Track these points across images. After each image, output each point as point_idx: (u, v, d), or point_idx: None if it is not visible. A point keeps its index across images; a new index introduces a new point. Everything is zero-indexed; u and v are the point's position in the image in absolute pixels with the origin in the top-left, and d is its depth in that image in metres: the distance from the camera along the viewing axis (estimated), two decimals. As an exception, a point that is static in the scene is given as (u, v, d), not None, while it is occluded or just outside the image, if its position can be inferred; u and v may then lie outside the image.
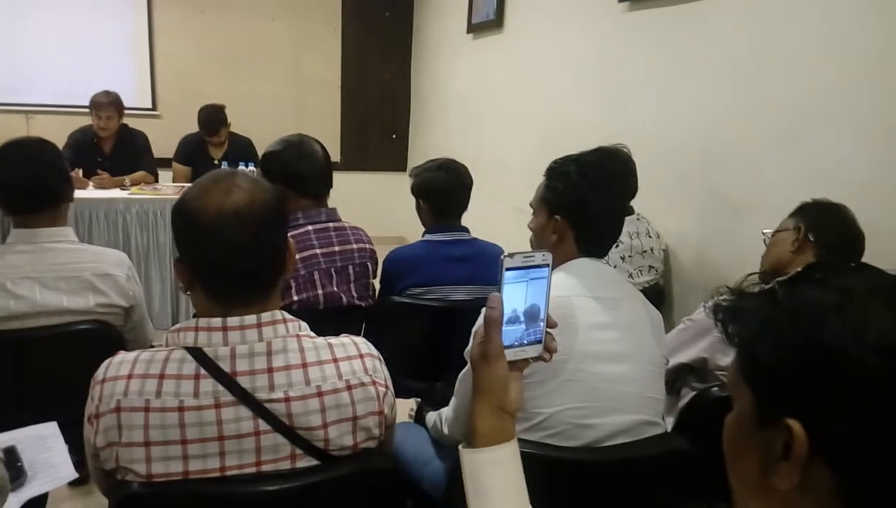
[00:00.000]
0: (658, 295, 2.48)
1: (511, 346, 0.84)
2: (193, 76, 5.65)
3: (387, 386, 1.19)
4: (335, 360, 1.13)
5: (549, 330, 0.88)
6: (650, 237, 2.48)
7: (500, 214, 3.86)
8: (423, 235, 2.31)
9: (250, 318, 1.06)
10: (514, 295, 0.83)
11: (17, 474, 1.32)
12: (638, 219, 2.48)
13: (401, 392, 2.29)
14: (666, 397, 1.83)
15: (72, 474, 1.38)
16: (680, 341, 1.80)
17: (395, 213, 5.37)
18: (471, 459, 0.83)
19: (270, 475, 1.08)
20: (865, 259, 1.67)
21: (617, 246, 2.38)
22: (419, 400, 2.18)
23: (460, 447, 0.85)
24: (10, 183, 1.71)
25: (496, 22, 4.26)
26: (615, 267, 2.37)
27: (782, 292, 0.58)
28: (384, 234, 5.23)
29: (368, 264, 2.10)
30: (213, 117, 4.36)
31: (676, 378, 1.80)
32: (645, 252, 2.45)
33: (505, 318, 0.83)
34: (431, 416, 1.79)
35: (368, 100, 6.24)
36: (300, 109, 6.03)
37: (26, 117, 5.34)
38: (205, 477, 1.04)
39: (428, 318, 2.16)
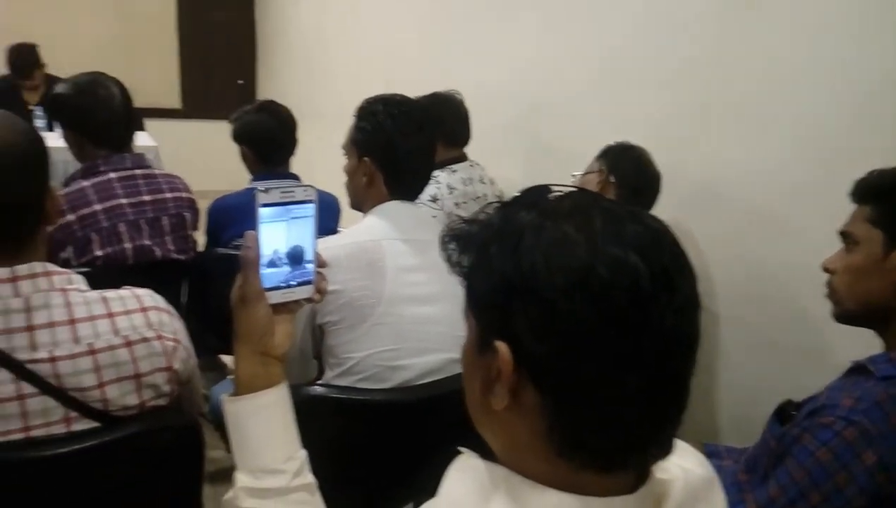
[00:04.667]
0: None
1: (277, 289, 0.81)
2: (5, 13, 4.98)
3: (177, 341, 1.12)
4: (110, 315, 1.05)
5: (319, 270, 0.85)
6: (483, 183, 2.53)
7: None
8: (249, 182, 2.21)
9: (2, 272, 0.96)
10: (275, 235, 0.80)
11: None
12: (472, 165, 2.52)
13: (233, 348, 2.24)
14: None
15: None
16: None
17: (240, 164, 5.09)
18: (233, 409, 0.80)
19: (42, 440, 1.00)
20: (662, 198, 1.81)
21: (451, 192, 2.40)
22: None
23: (222, 396, 0.82)
24: None
25: (338, -39, 4.10)
26: (449, 213, 2.39)
27: (496, 217, 0.59)
28: (229, 187, 4.98)
29: (185, 215, 1.96)
30: (24, 58, 3.96)
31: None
32: (478, 198, 2.49)
33: (266, 260, 0.79)
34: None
35: (210, 41, 5.82)
36: (132, 50, 5.52)
37: None
38: (-39, 448, 0.95)
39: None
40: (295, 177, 2.22)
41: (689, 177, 1.88)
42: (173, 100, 5.72)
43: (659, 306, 0.51)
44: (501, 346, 0.54)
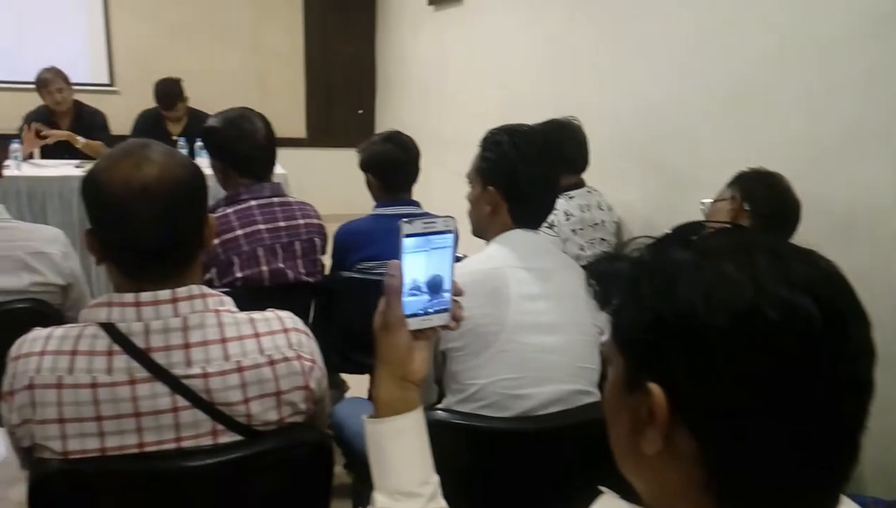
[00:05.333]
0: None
1: (415, 315, 0.84)
2: (151, 50, 5.50)
3: (313, 361, 1.18)
4: (257, 335, 1.12)
5: (456, 298, 0.87)
6: (602, 210, 2.49)
7: (463, 189, 3.84)
8: (373, 209, 2.30)
9: (164, 293, 1.05)
10: (417, 264, 0.82)
11: (-57, 455, 1.29)
12: (589, 191, 2.49)
13: (356, 368, 2.32)
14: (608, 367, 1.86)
15: (1, 454, 1.35)
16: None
17: (363, 190, 5.31)
18: (373, 430, 0.83)
19: (192, 451, 1.07)
20: (802, 228, 1.70)
21: (568, 218, 2.39)
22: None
23: (363, 417, 0.85)
24: None
25: (456, -7, 4.21)
26: (566, 240, 2.37)
27: (648, 254, 0.58)
28: (352, 212, 5.19)
29: (316, 240, 2.07)
30: (169, 91, 4.27)
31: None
32: (596, 225, 2.45)
33: (407, 288, 0.82)
34: (376, 391, 1.79)
35: (333, 73, 6.14)
36: (263, 83, 5.93)
37: (-25, 94, 5.19)
38: (123, 454, 1.04)
39: (379, 293, 2.15)
40: (416, 204, 2.29)
41: (830, 204, 1.76)
42: (299, 130, 6.07)
43: (831, 352, 0.48)
44: (655, 389, 0.52)
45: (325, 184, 5.10)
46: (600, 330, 1.50)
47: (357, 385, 2.51)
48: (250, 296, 1.60)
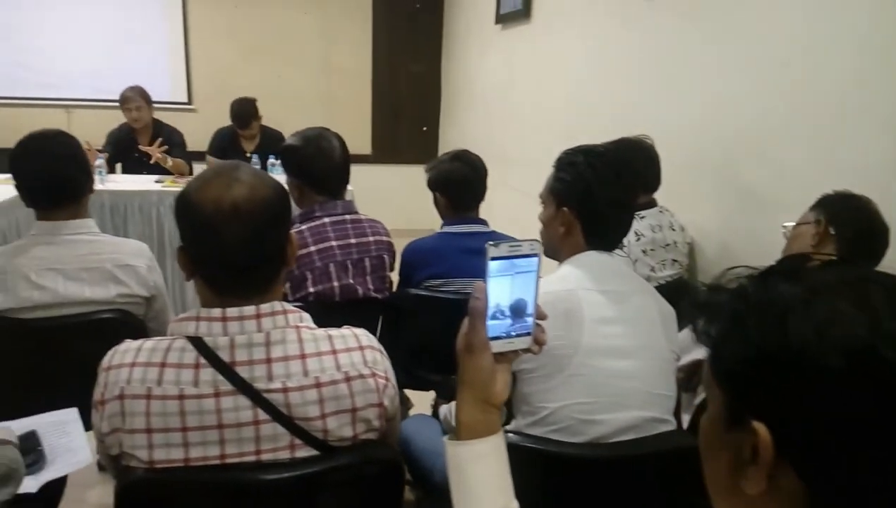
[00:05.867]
0: (682, 290, 2.43)
1: (498, 338, 0.84)
2: (227, 70, 5.74)
3: (387, 379, 1.19)
4: (334, 352, 1.14)
5: (539, 321, 0.86)
6: (674, 230, 2.43)
7: (527, 207, 3.81)
8: (441, 227, 2.31)
9: (249, 309, 1.08)
10: (501, 287, 0.82)
11: (36, 458, 1.37)
12: (661, 211, 2.43)
13: (420, 384, 2.33)
14: (683, 394, 1.81)
15: (87, 459, 1.42)
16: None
17: (425, 206, 5.34)
18: (455, 452, 0.83)
19: (270, 464, 1.10)
20: (890, 254, 1.61)
21: (639, 239, 2.34)
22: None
23: (445, 439, 0.85)
24: (30, 177, 1.74)
25: (524, 12, 4.22)
26: (636, 261, 2.32)
27: (752, 287, 0.56)
28: (415, 227, 5.24)
29: (385, 257, 2.10)
30: (244, 111, 4.42)
31: (692, 375, 1.76)
32: (668, 245, 2.40)
33: (491, 311, 0.82)
34: (444, 409, 1.80)
35: (399, 92, 6.26)
36: (331, 101, 6.09)
37: (67, 112, 5.51)
38: (206, 465, 1.07)
39: (445, 310, 2.15)
40: (484, 223, 2.29)
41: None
42: (364, 147, 6.19)
43: None
44: (761, 428, 0.50)
45: (388, 199, 5.16)
46: (676, 356, 1.46)
47: (420, 401, 2.51)
48: (321, 311, 1.64)
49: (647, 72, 2.91)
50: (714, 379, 0.58)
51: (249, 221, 1.05)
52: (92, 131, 4.77)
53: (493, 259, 0.80)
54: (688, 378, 1.76)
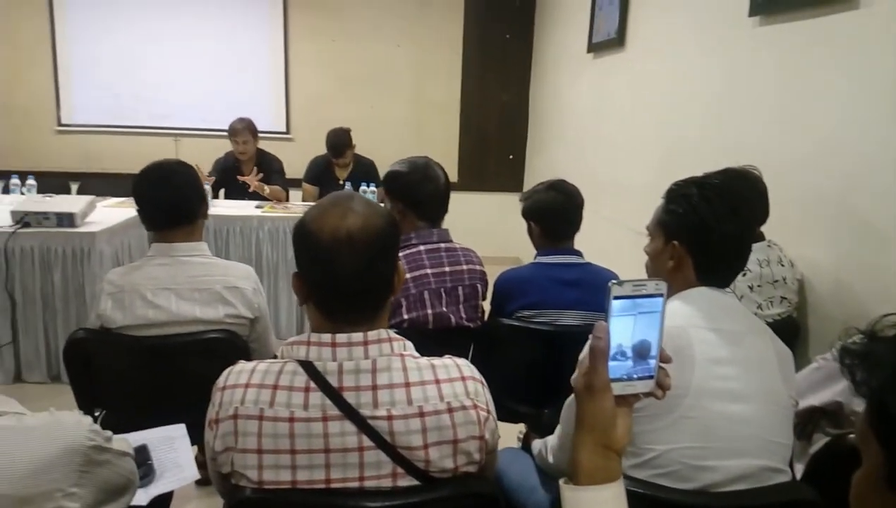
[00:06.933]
0: (791, 329, 2.29)
1: (619, 380, 0.80)
2: (323, 101, 5.97)
3: (488, 411, 1.17)
4: (437, 381, 1.13)
5: (662, 364, 0.83)
6: (782, 265, 2.30)
7: (617, 237, 3.75)
8: (534, 257, 2.29)
9: (357, 336, 1.09)
10: (623, 327, 0.79)
11: (146, 471, 1.42)
12: (769, 245, 2.31)
13: (508, 416, 2.29)
14: (796, 442, 1.69)
15: (194, 475, 1.46)
16: (812, 381, 1.65)
17: (510, 234, 5.35)
18: (572, 496, 0.80)
19: (373, 491, 1.10)
20: None
21: (745, 274, 2.23)
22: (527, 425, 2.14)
23: (561, 481, 0.82)
24: (151, 201, 1.87)
25: (618, 41, 4.17)
26: (742, 297, 2.21)
27: None
28: (500, 255, 5.24)
29: (478, 286, 2.09)
30: (339, 140, 4.56)
31: (808, 422, 1.64)
32: (776, 281, 2.27)
33: (612, 351, 0.79)
34: (537, 444, 1.75)
35: (487, 121, 6.31)
36: (421, 131, 6.21)
37: (175, 140, 5.88)
38: (311, 488, 1.08)
39: (537, 342, 2.13)
40: (578, 254, 2.25)
41: None
42: (451, 175, 6.22)
43: None
44: None
45: (475, 227, 5.17)
46: (794, 402, 1.37)
47: (506, 433, 2.47)
48: (414, 338, 1.64)
49: (754, 101, 2.80)
50: (872, 432, 0.53)
51: (363, 250, 1.07)
52: (198, 158, 5.07)
53: (616, 298, 0.77)
54: (803, 424, 1.64)
